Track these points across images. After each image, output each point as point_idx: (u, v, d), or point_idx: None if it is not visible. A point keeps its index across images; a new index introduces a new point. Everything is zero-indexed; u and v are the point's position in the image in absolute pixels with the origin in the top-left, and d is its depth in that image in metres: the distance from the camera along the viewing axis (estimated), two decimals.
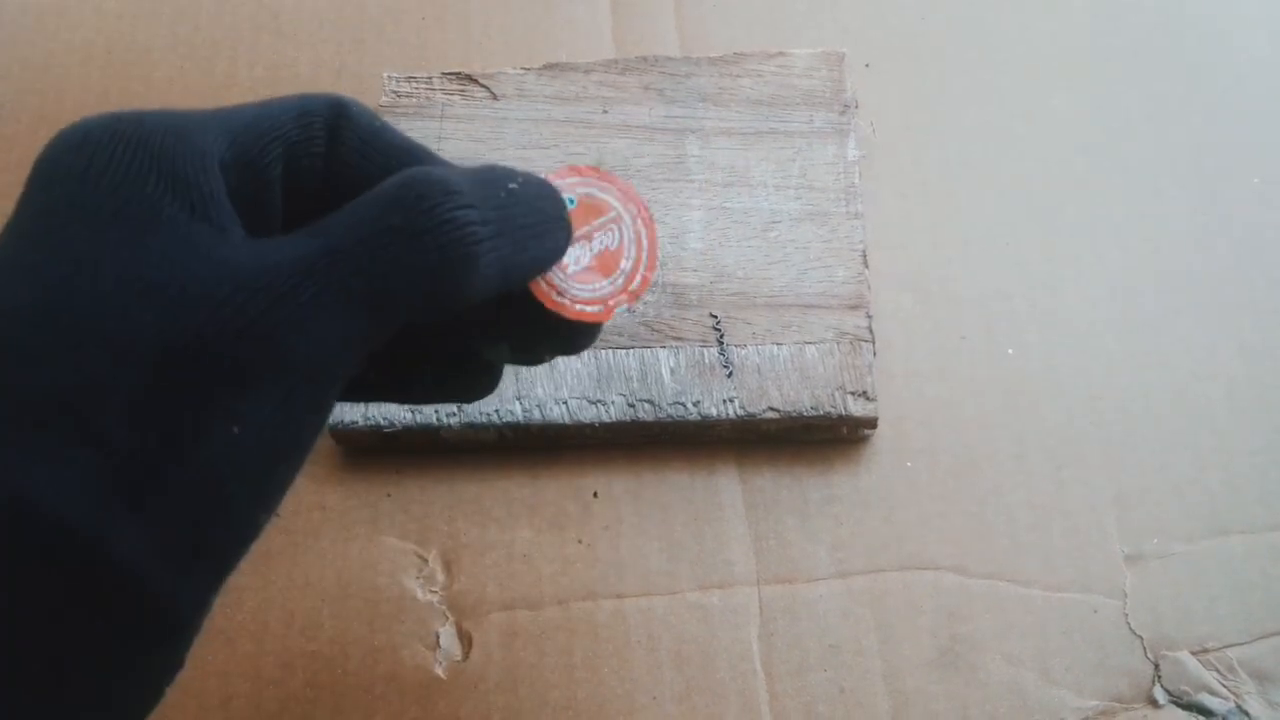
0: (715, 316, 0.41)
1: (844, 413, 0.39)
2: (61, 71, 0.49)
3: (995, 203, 0.45)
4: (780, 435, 0.40)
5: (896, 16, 0.49)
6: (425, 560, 0.39)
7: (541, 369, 0.40)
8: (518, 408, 0.39)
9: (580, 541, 0.39)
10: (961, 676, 0.37)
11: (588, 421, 0.39)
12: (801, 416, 0.39)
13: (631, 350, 0.40)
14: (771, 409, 0.39)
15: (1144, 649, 0.37)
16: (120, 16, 0.50)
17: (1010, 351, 0.42)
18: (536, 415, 0.39)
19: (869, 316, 0.41)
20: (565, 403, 0.39)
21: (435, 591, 0.39)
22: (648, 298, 0.41)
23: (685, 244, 0.42)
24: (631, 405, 0.39)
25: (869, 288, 0.41)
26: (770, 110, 0.45)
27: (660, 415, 0.39)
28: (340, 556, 0.39)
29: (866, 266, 0.41)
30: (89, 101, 0.48)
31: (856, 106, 0.45)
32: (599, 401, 0.39)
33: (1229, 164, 0.45)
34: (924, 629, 0.37)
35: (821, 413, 0.39)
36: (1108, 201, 0.44)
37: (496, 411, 0.39)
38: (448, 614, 0.38)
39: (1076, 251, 0.44)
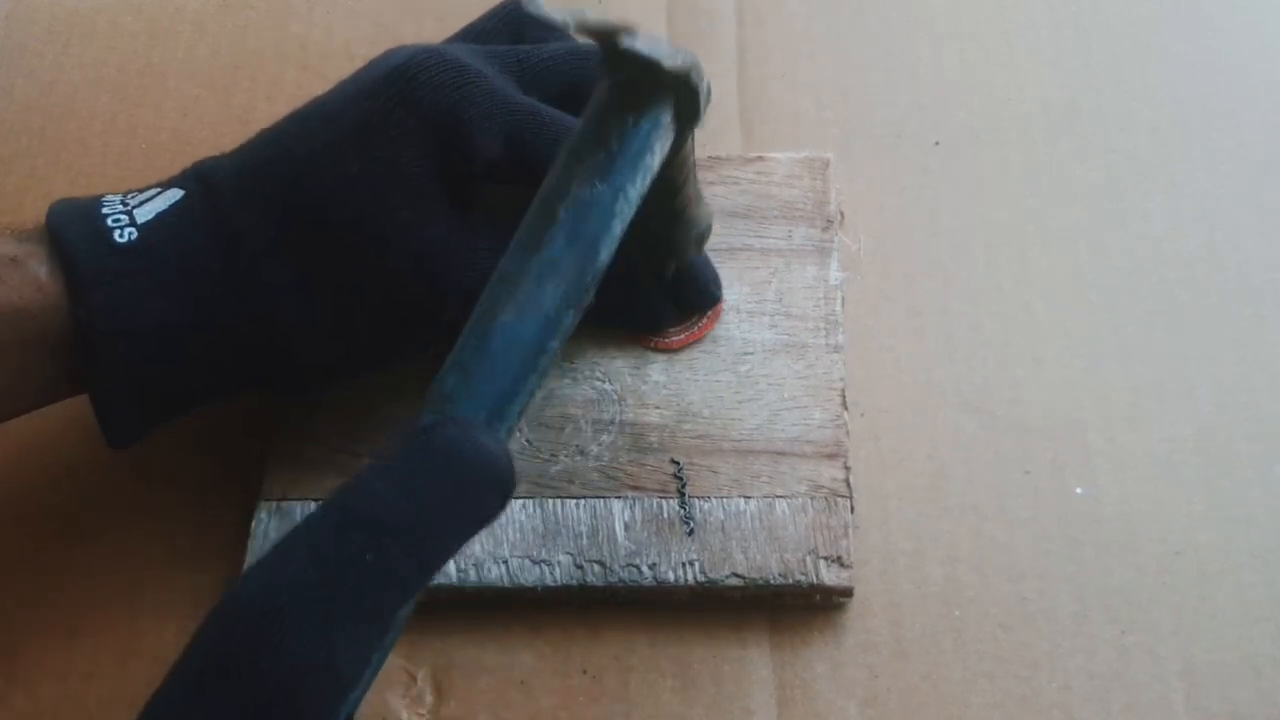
0: (677, 463, 0.37)
1: (815, 581, 0.35)
2: (68, 89, 0.45)
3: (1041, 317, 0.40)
4: (745, 602, 0.36)
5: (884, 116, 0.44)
6: (414, 678, 0.36)
7: None
8: (451, 567, 0.35)
9: (585, 672, 0.36)
10: None
11: (529, 585, 0.35)
12: (768, 584, 0.35)
13: (583, 501, 0.36)
14: (735, 574, 0.35)
15: None
16: (135, 34, 0.46)
17: (1079, 491, 0.38)
18: (472, 575, 0.35)
19: (847, 468, 0.37)
20: (505, 561, 0.35)
21: (422, 715, 0.35)
22: (604, 439, 0.37)
23: (647, 376, 0.38)
24: (579, 566, 0.35)
25: (848, 433, 0.37)
26: (745, 224, 0.41)
27: (611, 579, 0.35)
28: None
29: (845, 409, 0.38)
30: (94, 126, 0.44)
31: (842, 220, 0.41)
32: (543, 561, 0.35)
33: None
34: None
35: (791, 580, 0.35)
36: (1198, 326, 0.40)
37: None
38: None
39: (1160, 378, 0.39)
